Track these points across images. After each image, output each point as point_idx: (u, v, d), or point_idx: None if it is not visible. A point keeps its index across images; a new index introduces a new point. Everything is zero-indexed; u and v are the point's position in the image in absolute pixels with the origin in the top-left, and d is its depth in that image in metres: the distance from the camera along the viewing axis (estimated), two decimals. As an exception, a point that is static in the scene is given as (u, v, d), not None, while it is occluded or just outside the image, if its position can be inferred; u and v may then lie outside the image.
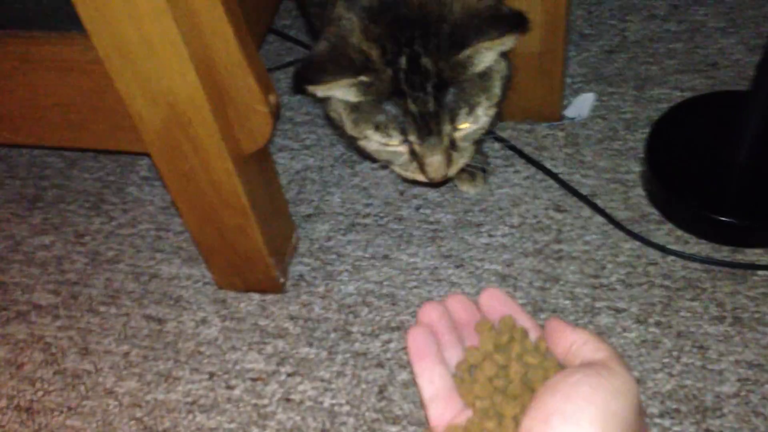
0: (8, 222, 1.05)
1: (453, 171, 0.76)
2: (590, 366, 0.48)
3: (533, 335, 0.55)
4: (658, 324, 0.82)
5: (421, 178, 0.76)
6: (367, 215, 0.98)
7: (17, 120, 0.82)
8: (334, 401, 0.82)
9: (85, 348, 0.90)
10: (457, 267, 0.91)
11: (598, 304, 0.85)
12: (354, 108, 0.72)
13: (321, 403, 0.82)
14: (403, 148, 0.74)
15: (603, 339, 0.51)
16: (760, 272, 0.85)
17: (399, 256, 0.93)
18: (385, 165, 0.80)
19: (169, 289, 0.94)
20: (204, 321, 0.91)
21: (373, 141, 0.73)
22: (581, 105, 1.05)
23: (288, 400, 0.83)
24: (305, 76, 0.69)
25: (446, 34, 0.68)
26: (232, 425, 0.81)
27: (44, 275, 0.98)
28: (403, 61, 0.68)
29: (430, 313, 0.57)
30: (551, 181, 0.97)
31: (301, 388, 0.83)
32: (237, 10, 0.68)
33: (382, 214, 0.98)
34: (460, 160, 0.76)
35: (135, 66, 0.67)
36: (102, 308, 0.94)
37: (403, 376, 0.83)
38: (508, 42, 0.69)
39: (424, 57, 0.68)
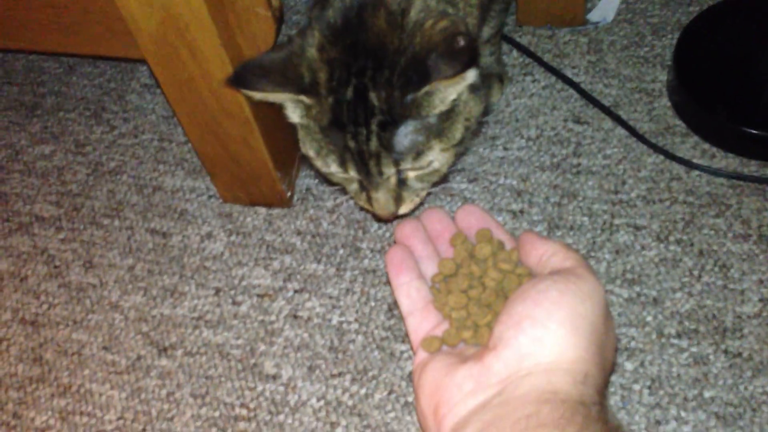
0: (6, 130, 1.02)
1: (404, 210, 0.69)
2: (559, 273, 0.50)
3: (509, 247, 0.57)
4: (679, 242, 0.79)
5: (371, 210, 0.70)
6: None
7: (7, 23, 0.77)
8: (342, 318, 0.80)
9: (89, 261, 0.89)
10: (471, 181, 0.87)
11: (617, 221, 0.82)
12: (301, 125, 0.67)
13: (329, 320, 0.80)
14: (353, 177, 0.67)
15: (571, 248, 0.54)
16: (789, 189, 0.81)
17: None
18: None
19: (173, 203, 0.92)
20: (209, 235, 0.88)
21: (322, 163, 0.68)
22: (606, 8, 0.98)
23: (295, 317, 0.81)
24: (243, 76, 0.63)
25: (401, 69, 0.60)
26: (239, 341, 0.80)
27: (45, 186, 0.96)
28: (349, 91, 0.62)
29: (404, 228, 0.59)
30: (571, 91, 0.92)
31: (308, 305, 0.82)
32: None
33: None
34: (414, 199, 0.69)
35: (125, -36, 0.62)
36: (105, 221, 0.92)
37: (413, 293, 0.81)
38: (469, 77, 0.62)
39: (372, 91, 0.61)
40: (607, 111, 0.89)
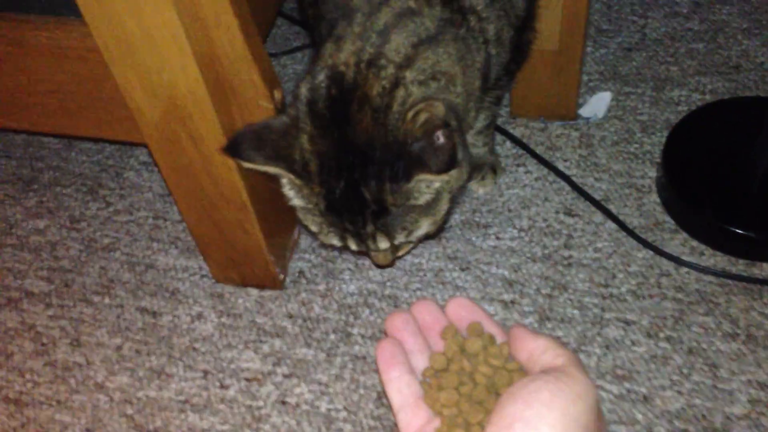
0: (2, 204, 1.03)
1: (400, 256, 0.78)
2: (550, 372, 0.50)
3: (500, 341, 0.56)
4: (668, 339, 0.80)
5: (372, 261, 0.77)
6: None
7: (12, 105, 0.79)
8: (331, 406, 0.79)
9: (77, 339, 0.88)
10: (463, 270, 0.88)
11: (607, 315, 0.82)
12: (299, 207, 0.70)
13: (317, 407, 0.79)
14: (353, 248, 0.72)
15: (562, 345, 0.52)
16: (776, 289, 0.82)
17: (404, 257, 0.90)
18: None
19: (165, 281, 0.92)
20: (200, 316, 0.88)
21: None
22: (597, 104, 1.01)
23: (283, 402, 0.80)
24: (238, 146, 0.65)
25: (389, 165, 0.64)
26: (225, 427, 0.79)
27: (37, 261, 0.96)
28: (341, 184, 0.65)
29: (394, 320, 0.57)
30: (563, 184, 0.94)
31: (297, 390, 0.81)
32: (243, 2, 0.65)
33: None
34: (407, 248, 0.76)
35: (134, 57, 0.64)
36: (95, 298, 0.91)
37: (403, 382, 0.80)
38: (452, 175, 0.66)
39: (363, 186, 0.65)
40: (597, 205, 0.91)
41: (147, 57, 0.63)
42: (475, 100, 0.75)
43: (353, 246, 0.70)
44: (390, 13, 0.66)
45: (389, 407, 0.76)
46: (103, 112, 0.75)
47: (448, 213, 0.72)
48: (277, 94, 0.71)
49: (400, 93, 0.64)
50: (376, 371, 0.81)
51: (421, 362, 0.61)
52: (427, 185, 0.66)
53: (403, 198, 0.66)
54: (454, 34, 0.69)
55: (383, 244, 0.70)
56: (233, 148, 0.66)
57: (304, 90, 0.66)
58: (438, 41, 0.67)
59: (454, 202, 0.72)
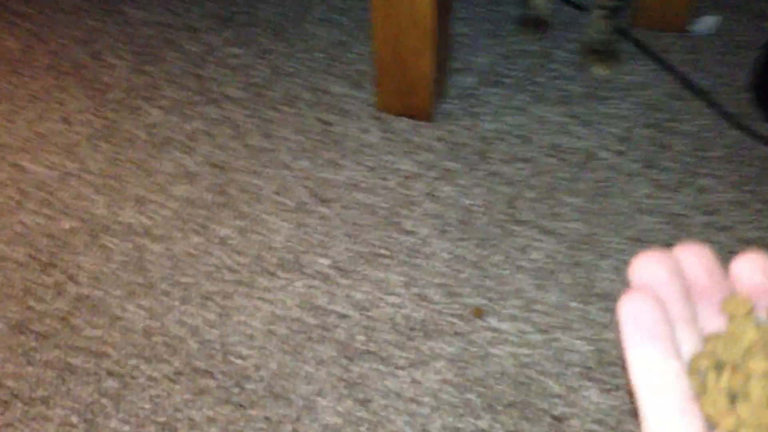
0: (206, 33, 1.25)
1: None
2: None
3: None
4: (751, 192, 0.99)
5: None
6: (509, 76, 1.15)
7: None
8: (470, 201, 1.00)
9: (267, 133, 1.10)
10: (583, 125, 1.08)
11: (700, 170, 1.01)
12: None
13: (460, 201, 1.00)
14: None
15: None
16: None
17: (533, 110, 1.10)
18: None
19: (337, 103, 1.13)
20: (365, 130, 1.09)
21: None
22: (706, 23, 1.20)
23: (432, 195, 1.01)
24: None
25: None
26: (385, 205, 1.00)
27: (234, 76, 1.18)
28: None
29: (651, 266, 0.33)
30: (671, 76, 1.13)
31: (444, 188, 1.01)
32: None
33: (522, 77, 1.15)
34: None
35: None
36: (282, 107, 1.13)
37: (532, 194, 1.00)
38: None
39: None
40: (700, 92, 1.10)
41: None
42: None
43: None
44: None
45: (518, 209, 0.97)
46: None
47: None
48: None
49: None
50: (510, 183, 1.01)
51: (685, 340, 0.33)
52: None
53: None
54: None
55: None
56: None
57: None
58: None
59: None
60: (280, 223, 0.99)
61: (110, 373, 0.85)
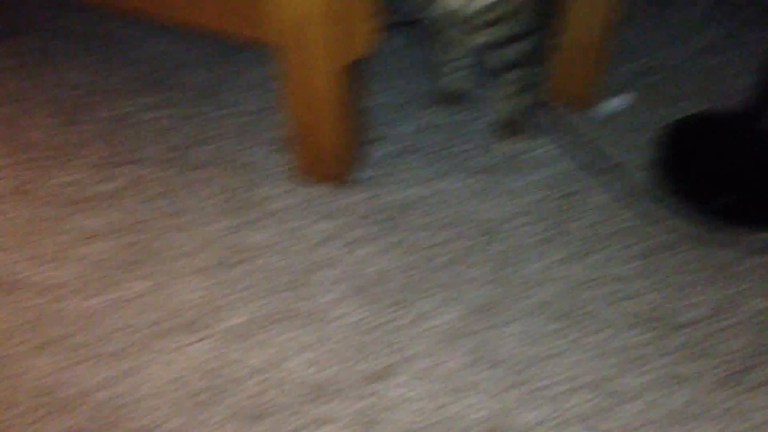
0: (133, 95, 1.28)
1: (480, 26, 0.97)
2: None
3: None
4: (653, 263, 1.03)
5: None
6: (424, 147, 1.19)
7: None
8: (378, 267, 1.03)
9: (185, 195, 1.12)
10: (493, 197, 1.12)
11: (606, 241, 1.06)
12: None
13: (368, 267, 1.02)
14: None
15: None
16: (742, 242, 1.06)
17: (444, 181, 1.14)
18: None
19: (257, 167, 1.16)
20: (282, 195, 1.12)
21: None
22: (616, 103, 1.27)
23: (341, 260, 1.04)
24: None
25: None
26: (295, 268, 1.02)
27: (156, 138, 1.20)
28: None
29: None
30: (580, 152, 1.19)
31: (354, 254, 1.04)
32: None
33: (436, 148, 1.19)
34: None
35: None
36: (201, 170, 1.16)
37: (438, 262, 1.03)
38: None
39: None
40: (606, 169, 1.16)
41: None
42: None
43: None
44: None
45: (434, 273, 0.99)
46: (243, 12, 1.00)
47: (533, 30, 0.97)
48: (377, 22, 0.96)
49: None
50: (418, 252, 1.04)
51: None
52: None
53: None
54: None
55: None
56: None
57: None
58: None
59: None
60: (191, 283, 1.00)
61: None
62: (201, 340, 0.93)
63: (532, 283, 1.01)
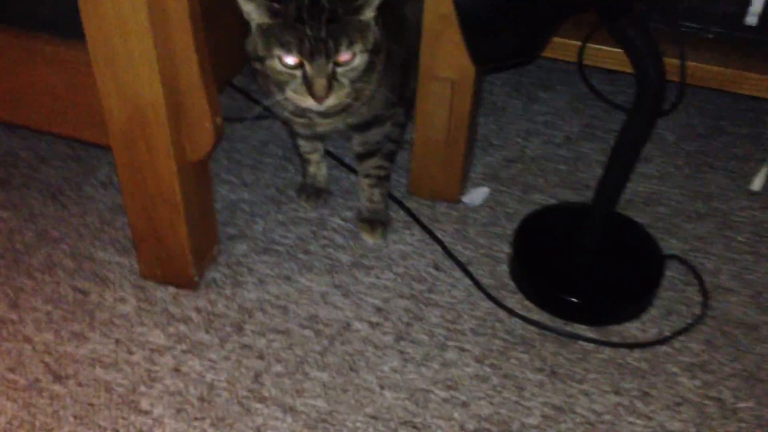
0: (-25, 194, 1.22)
1: (332, 100, 0.92)
2: None
3: None
4: (492, 365, 1.01)
5: (308, 101, 0.92)
6: (282, 244, 1.16)
7: (15, 101, 1.01)
8: (215, 377, 0.97)
9: (14, 303, 1.05)
10: (344, 296, 1.09)
11: (449, 343, 1.03)
12: (265, 31, 0.91)
13: (203, 377, 0.97)
14: (298, 72, 0.91)
15: None
16: (580, 342, 1.04)
17: (298, 280, 1.11)
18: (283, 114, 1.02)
19: (100, 270, 1.11)
20: (122, 299, 1.07)
21: (277, 60, 0.91)
22: (476, 195, 1.27)
23: (177, 370, 0.98)
24: None
25: None
26: (124, 382, 0.96)
27: (-5, 241, 1.14)
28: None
29: None
30: (437, 246, 1.17)
31: (190, 363, 0.99)
32: (204, 47, 0.89)
33: (294, 246, 1.16)
34: (339, 92, 0.93)
35: (115, 71, 0.87)
36: (38, 274, 1.10)
37: (279, 368, 0.99)
38: None
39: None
40: (459, 264, 1.14)
41: (125, 72, 0.87)
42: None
43: (306, 55, 0.88)
44: None
45: (263, 385, 0.95)
46: (83, 115, 0.97)
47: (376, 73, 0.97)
48: (218, 120, 0.94)
49: None
50: (259, 358, 1.00)
51: None
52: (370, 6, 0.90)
53: (351, 12, 0.89)
54: None
55: (331, 49, 0.88)
56: None
57: None
58: None
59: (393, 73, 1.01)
60: (6, 403, 0.93)
61: None
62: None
63: (371, 389, 0.97)
